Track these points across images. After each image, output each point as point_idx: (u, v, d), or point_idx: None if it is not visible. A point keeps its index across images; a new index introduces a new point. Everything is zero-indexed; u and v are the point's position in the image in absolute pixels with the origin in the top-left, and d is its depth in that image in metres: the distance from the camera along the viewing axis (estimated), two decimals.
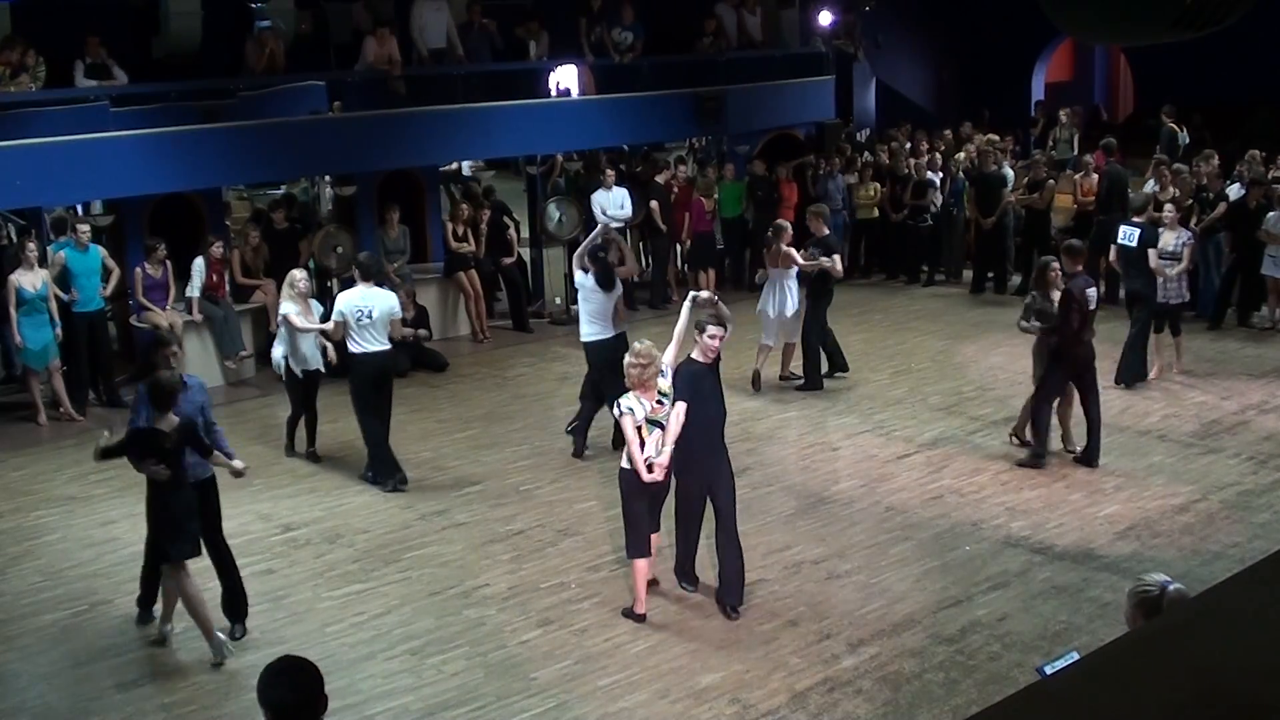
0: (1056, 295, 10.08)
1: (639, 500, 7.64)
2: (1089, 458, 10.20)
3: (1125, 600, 4.22)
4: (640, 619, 7.72)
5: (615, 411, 7.80)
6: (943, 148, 18.41)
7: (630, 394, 7.55)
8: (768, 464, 10.51)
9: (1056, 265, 10.26)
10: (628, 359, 7.63)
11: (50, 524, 9.66)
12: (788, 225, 12.48)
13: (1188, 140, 18.96)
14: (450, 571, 8.56)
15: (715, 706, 6.74)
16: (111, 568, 8.74)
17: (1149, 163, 16.42)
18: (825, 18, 19.45)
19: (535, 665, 7.23)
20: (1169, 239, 12.27)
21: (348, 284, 10.39)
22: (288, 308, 10.40)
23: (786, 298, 12.25)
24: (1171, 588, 4.14)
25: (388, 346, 10.04)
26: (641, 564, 7.73)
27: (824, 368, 12.69)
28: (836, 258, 12.29)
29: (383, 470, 10.13)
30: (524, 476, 10.39)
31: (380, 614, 7.95)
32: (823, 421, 11.64)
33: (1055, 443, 10.46)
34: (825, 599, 7.99)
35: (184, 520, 7.29)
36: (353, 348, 9.94)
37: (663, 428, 7.52)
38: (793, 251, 12.13)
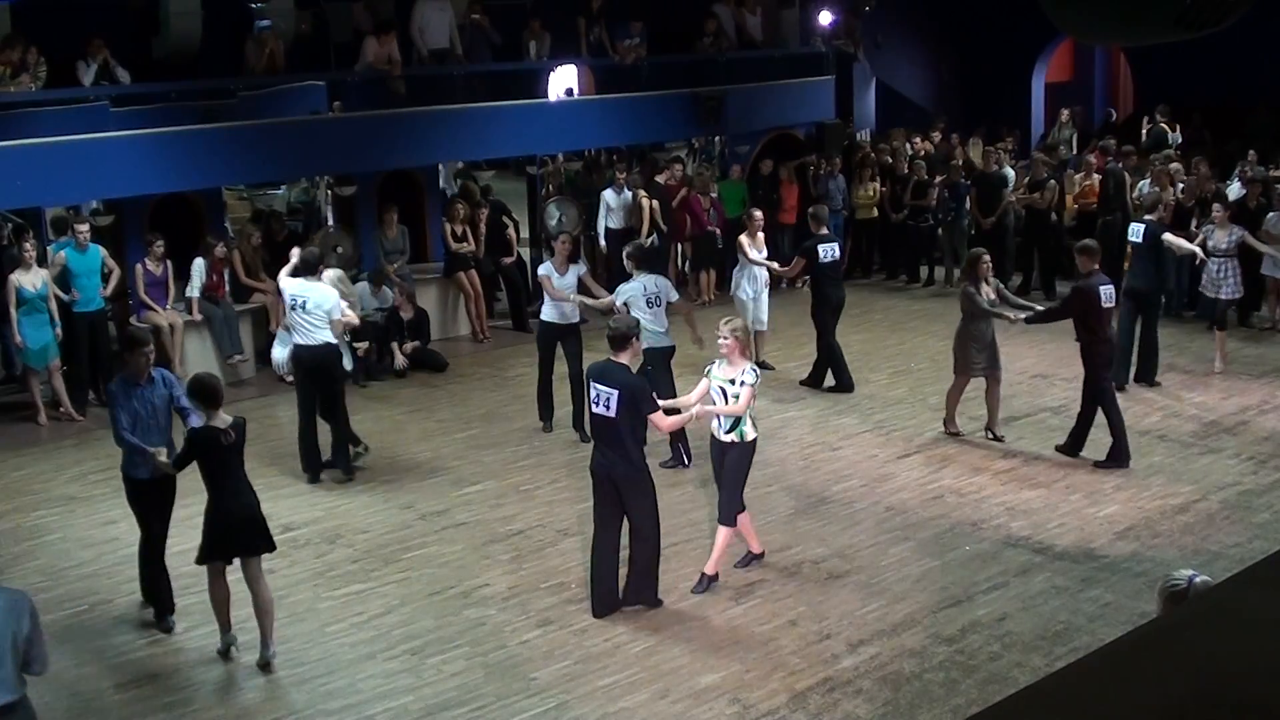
0: (986, 289, 10.59)
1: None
2: (1072, 448, 10.39)
3: (1156, 596, 4.55)
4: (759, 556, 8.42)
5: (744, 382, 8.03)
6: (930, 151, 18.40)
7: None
8: (768, 464, 10.49)
9: (987, 258, 10.82)
10: (736, 333, 8.03)
11: (50, 524, 9.66)
12: (756, 214, 13.15)
13: (1179, 140, 18.96)
14: (450, 571, 8.56)
15: (715, 706, 6.74)
16: (112, 568, 8.73)
17: (1147, 162, 16.44)
18: (825, 18, 19.43)
19: (535, 665, 7.23)
20: (1220, 237, 12.57)
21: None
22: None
23: (743, 282, 12.85)
24: (1198, 579, 4.43)
25: (321, 342, 10.10)
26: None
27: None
28: (798, 261, 12.67)
29: (304, 460, 10.43)
30: (524, 476, 10.38)
31: (380, 614, 7.95)
32: (823, 421, 11.64)
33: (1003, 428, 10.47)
34: (825, 599, 7.99)
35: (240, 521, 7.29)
36: (295, 337, 10.28)
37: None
38: (743, 241, 12.76)
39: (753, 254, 12.74)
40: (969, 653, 7.26)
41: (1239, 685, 1.85)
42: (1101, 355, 10.15)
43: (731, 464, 8.05)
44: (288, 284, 10.25)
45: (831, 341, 12.44)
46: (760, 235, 12.96)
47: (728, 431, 8.02)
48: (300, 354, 10.23)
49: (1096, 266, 10.27)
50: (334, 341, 10.25)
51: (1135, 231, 12.28)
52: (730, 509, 8.10)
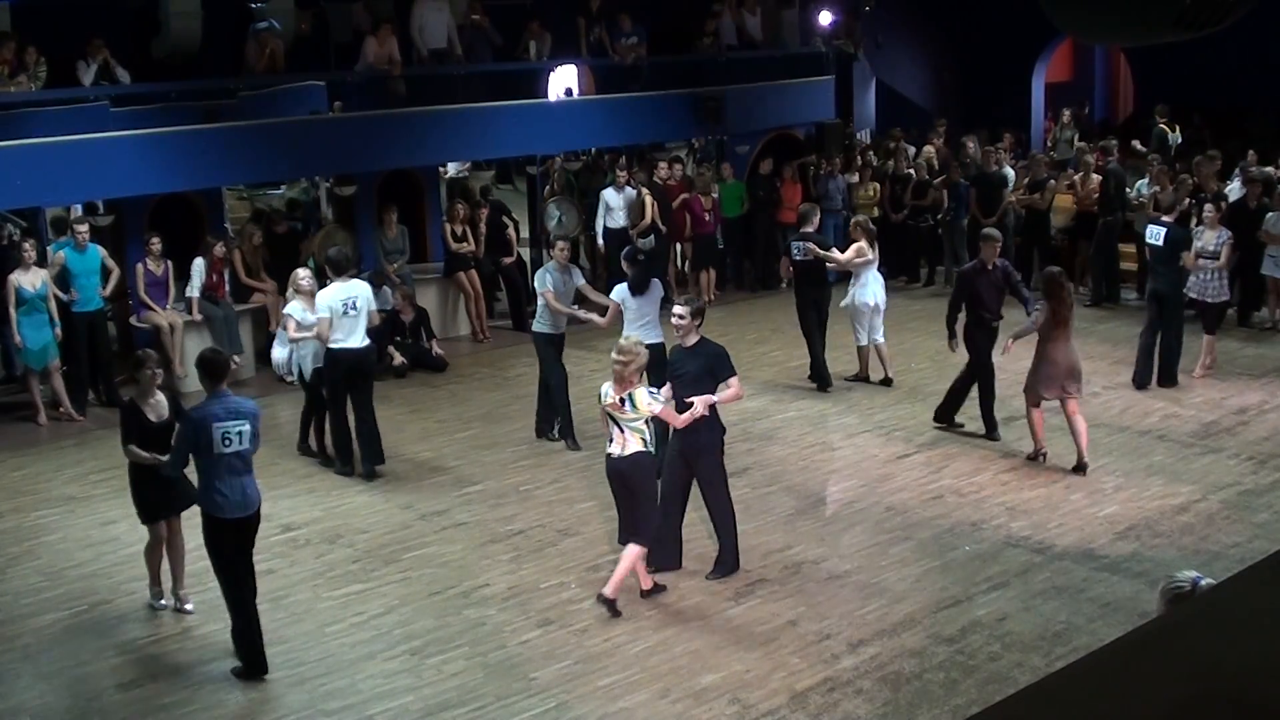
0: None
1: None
2: (944, 414, 11.11)
3: (1158, 598, 4.47)
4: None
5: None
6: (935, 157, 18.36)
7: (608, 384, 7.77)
8: (768, 464, 10.51)
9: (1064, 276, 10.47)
10: (613, 354, 7.73)
11: (50, 524, 9.66)
12: (862, 219, 12.79)
13: (1179, 141, 18.93)
14: (450, 571, 8.56)
15: (715, 706, 6.74)
16: (112, 568, 8.74)
17: (1146, 162, 16.43)
18: (825, 18, 19.43)
19: (535, 665, 7.23)
20: (1209, 238, 12.28)
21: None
22: (293, 308, 10.47)
23: (867, 284, 12.38)
24: (1203, 582, 4.35)
25: (368, 342, 10.15)
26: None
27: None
28: (784, 259, 12.58)
29: (338, 455, 10.43)
30: (524, 476, 10.39)
31: (380, 614, 7.95)
32: (823, 421, 11.64)
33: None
34: (825, 599, 7.99)
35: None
36: (331, 342, 10.00)
37: (620, 426, 7.71)
38: (862, 247, 12.28)
39: (871, 255, 12.23)
40: (969, 653, 7.26)
41: (1239, 685, 1.85)
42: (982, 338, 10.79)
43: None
44: (332, 292, 10.01)
45: (809, 339, 12.59)
46: (864, 244, 12.28)
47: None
48: (342, 356, 9.99)
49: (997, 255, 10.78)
50: (371, 342, 10.30)
51: (1155, 234, 12.00)
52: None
